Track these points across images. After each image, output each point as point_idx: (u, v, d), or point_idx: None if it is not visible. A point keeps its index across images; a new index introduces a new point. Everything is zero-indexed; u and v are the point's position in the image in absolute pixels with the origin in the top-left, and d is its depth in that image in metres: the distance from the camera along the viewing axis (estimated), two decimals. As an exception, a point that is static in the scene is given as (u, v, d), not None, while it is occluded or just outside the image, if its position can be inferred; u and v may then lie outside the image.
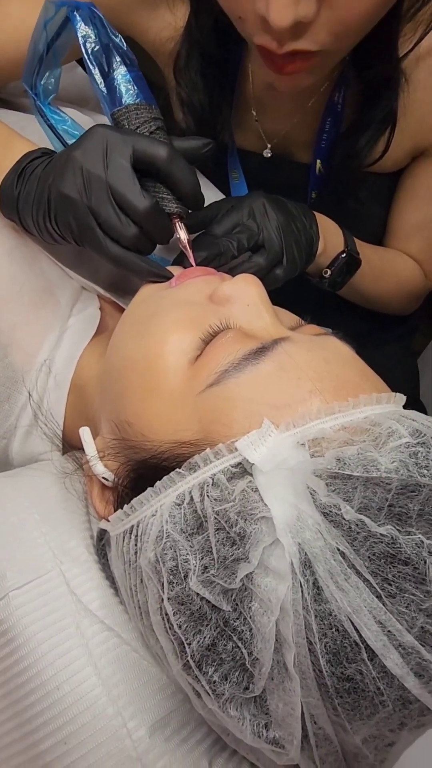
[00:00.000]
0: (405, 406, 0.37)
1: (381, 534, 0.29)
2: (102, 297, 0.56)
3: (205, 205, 0.56)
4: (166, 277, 0.47)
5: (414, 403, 0.98)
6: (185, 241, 0.49)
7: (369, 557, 0.29)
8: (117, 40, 0.49)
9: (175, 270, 0.48)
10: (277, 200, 0.57)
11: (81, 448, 0.42)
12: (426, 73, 0.66)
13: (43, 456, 0.49)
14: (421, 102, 0.67)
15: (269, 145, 0.74)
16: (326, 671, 0.29)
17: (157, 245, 0.49)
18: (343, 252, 0.65)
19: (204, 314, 0.40)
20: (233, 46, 0.65)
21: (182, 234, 0.48)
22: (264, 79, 0.67)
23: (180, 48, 0.65)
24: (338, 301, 0.77)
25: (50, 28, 0.50)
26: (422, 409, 0.98)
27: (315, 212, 0.62)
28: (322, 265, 0.65)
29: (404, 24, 0.59)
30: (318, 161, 0.73)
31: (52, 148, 0.52)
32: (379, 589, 0.29)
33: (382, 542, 0.29)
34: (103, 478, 0.39)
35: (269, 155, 0.74)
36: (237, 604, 0.30)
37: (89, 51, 0.48)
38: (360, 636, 0.29)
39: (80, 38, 0.48)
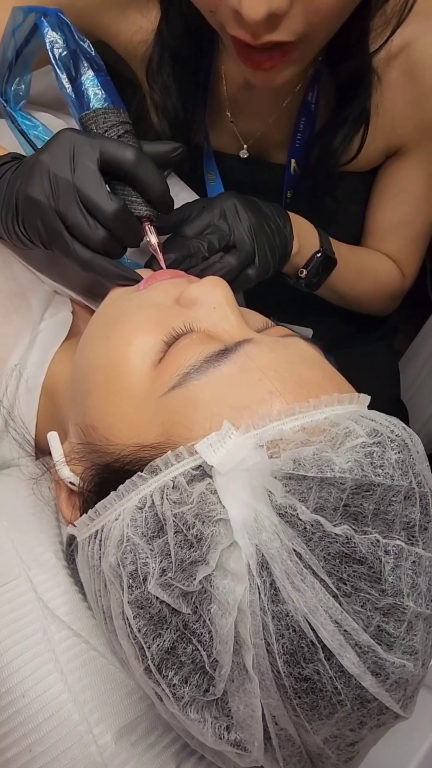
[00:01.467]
0: (388, 407, 0.37)
1: (336, 534, 0.29)
2: (74, 301, 0.56)
3: (177, 206, 0.57)
4: (135, 280, 0.47)
5: (396, 403, 0.99)
6: (155, 244, 0.48)
7: (324, 557, 0.29)
8: (84, 45, 0.49)
9: (145, 273, 0.48)
10: (249, 200, 0.57)
11: (51, 454, 0.42)
12: (397, 72, 0.66)
13: (15, 462, 0.49)
14: (393, 101, 0.68)
15: (245, 146, 0.74)
16: (284, 672, 0.29)
17: (129, 249, 0.50)
18: (318, 252, 0.66)
19: (169, 316, 0.40)
20: (205, 48, 0.66)
21: (152, 237, 0.48)
22: (239, 77, 0.67)
23: (152, 52, 0.65)
24: (319, 302, 0.77)
25: (18, 35, 0.50)
26: (403, 410, 0.98)
27: (290, 212, 0.62)
28: (298, 264, 0.65)
29: (374, 17, 0.59)
30: (293, 161, 0.73)
31: (24, 153, 0.52)
32: (335, 589, 0.29)
33: (337, 542, 0.29)
34: (70, 482, 0.39)
35: (245, 156, 0.74)
36: (197, 607, 0.30)
37: (57, 56, 0.48)
38: (316, 636, 0.29)
39: (47, 44, 0.48)
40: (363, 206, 0.81)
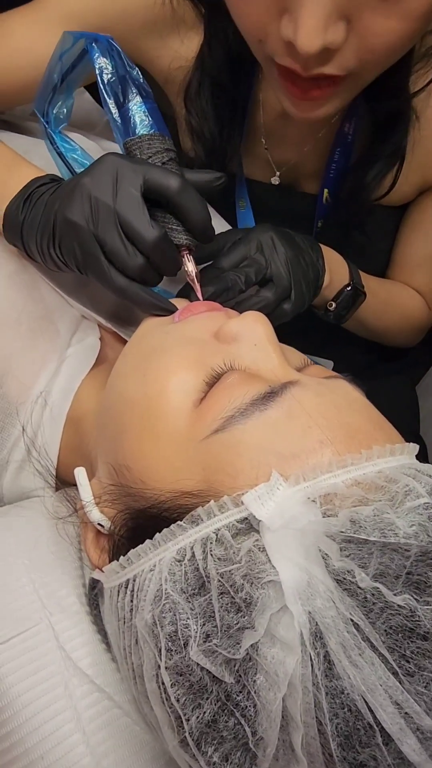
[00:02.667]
0: (405, 440, 0.36)
1: (398, 605, 0.27)
2: (102, 327, 0.54)
3: None
4: (171, 311, 0.45)
5: (415, 439, 0.97)
6: (193, 274, 0.48)
7: (385, 630, 0.27)
8: (134, 72, 0.49)
9: (180, 303, 0.47)
10: (285, 233, 0.56)
11: (75, 485, 0.40)
12: None
13: (35, 492, 0.47)
14: (429, 138, 0.67)
15: (278, 173, 0.74)
16: (337, 755, 0.26)
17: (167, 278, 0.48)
18: (348, 285, 0.65)
19: (208, 353, 0.38)
20: (244, 76, 0.65)
21: (190, 266, 0.47)
22: (277, 105, 0.67)
23: (191, 77, 0.65)
24: (339, 332, 0.76)
25: (66, 59, 0.50)
26: (422, 445, 0.96)
27: (321, 245, 0.62)
28: (328, 297, 0.65)
29: (417, 60, 0.59)
30: (326, 191, 0.73)
31: (60, 176, 0.51)
32: (395, 666, 0.26)
33: (399, 614, 0.27)
34: (99, 525, 0.36)
35: (277, 183, 0.74)
36: (240, 677, 0.28)
37: (105, 82, 0.49)
38: (374, 717, 0.26)
39: (97, 69, 0.48)
40: (391, 240, 0.81)
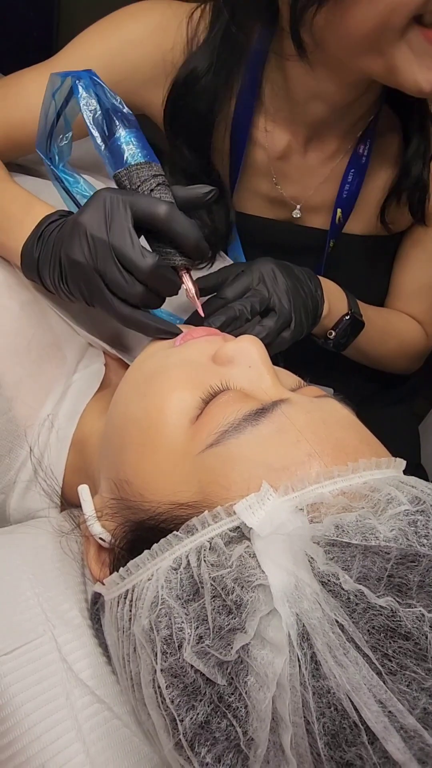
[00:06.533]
0: (406, 470, 0.37)
1: (380, 606, 0.28)
2: (107, 353, 0.57)
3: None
4: (174, 333, 0.47)
5: (415, 468, 0.98)
6: (192, 292, 0.49)
7: (368, 630, 0.28)
8: (116, 102, 0.50)
9: (185, 329, 0.49)
10: (285, 266, 0.59)
11: (79, 506, 0.41)
12: None
13: (41, 513, 0.49)
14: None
15: (298, 206, 0.76)
16: (324, 754, 0.27)
17: (176, 305, 0.50)
18: (347, 314, 0.68)
19: (205, 374, 0.40)
20: (238, 120, 0.68)
21: (190, 285, 0.49)
22: (282, 145, 0.70)
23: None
24: (339, 360, 0.78)
25: (58, 97, 0.52)
26: (423, 474, 0.97)
27: (320, 277, 0.64)
28: (327, 326, 0.67)
29: None
30: (339, 210, 0.75)
31: (69, 209, 0.54)
32: (379, 665, 0.27)
33: (381, 615, 0.28)
34: (100, 538, 0.38)
35: (298, 216, 0.77)
36: (232, 678, 0.29)
37: (91, 119, 0.50)
38: (360, 716, 0.27)
39: (82, 107, 0.50)
40: (389, 267, 0.83)
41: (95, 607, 0.40)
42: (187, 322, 0.57)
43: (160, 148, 0.60)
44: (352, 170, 0.72)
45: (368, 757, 0.27)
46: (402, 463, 0.37)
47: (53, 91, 0.52)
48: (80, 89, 0.49)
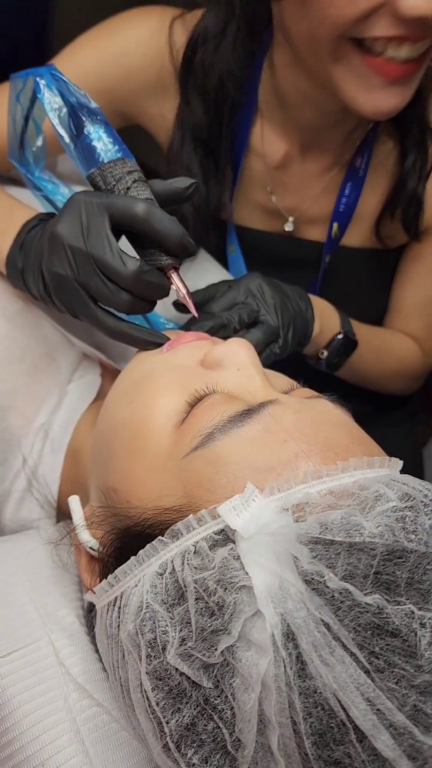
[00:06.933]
0: None
1: (367, 603, 0.27)
2: (104, 364, 0.57)
3: (204, 283, 0.58)
4: (161, 343, 0.46)
5: None
6: (183, 291, 0.47)
7: (354, 628, 0.27)
8: (81, 96, 0.47)
9: (175, 335, 0.48)
10: (273, 282, 0.59)
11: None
12: None
13: (37, 523, 0.49)
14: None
15: (290, 219, 0.75)
16: (312, 754, 0.27)
17: (174, 314, 0.49)
18: (339, 333, 0.66)
19: (192, 378, 0.40)
20: (225, 126, 0.68)
21: (179, 285, 0.46)
22: (280, 154, 0.70)
23: (172, 136, 0.68)
24: (337, 383, 0.76)
25: (23, 99, 0.49)
26: None
27: (311, 295, 0.63)
28: (319, 345, 0.66)
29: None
30: (335, 224, 0.74)
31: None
32: (366, 663, 0.27)
33: (368, 612, 0.27)
34: (90, 548, 0.38)
35: (291, 229, 0.76)
36: (218, 681, 0.29)
37: (57, 118, 0.47)
38: (347, 715, 0.27)
39: (45, 107, 0.47)
40: (389, 281, 0.82)
41: (90, 614, 0.40)
42: (183, 329, 0.56)
43: (150, 168, 0.59)
44: (349, 183, 0.72)
45: (357, 755, 0.27)
46: (398, 463, 0.36)
47: (17, 94, 0.49)
48: (42, 88, 0.46)
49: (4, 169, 0.69)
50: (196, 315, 0.48)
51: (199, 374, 0.41)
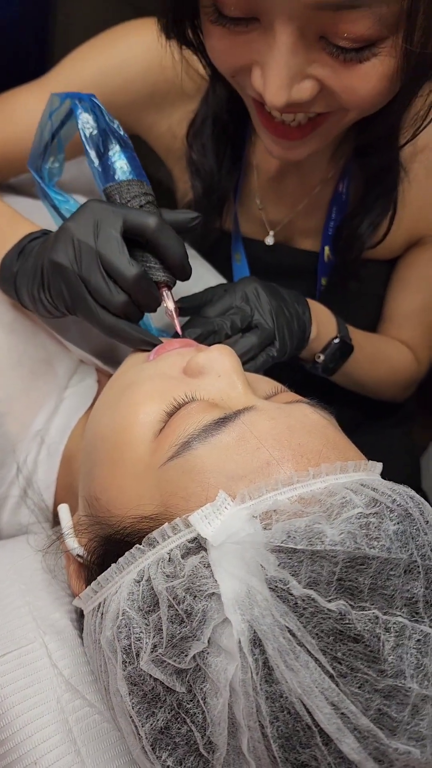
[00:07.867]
0: None
1: (329, 609, 0.28)
2: (100, 370, 0.58)
3: (199, 287, 0.59)
4: (156, 344, 0.47)
5: (416, 491, 0.93)
6: (171, 310, 0.49)
7: (317, 634, 0.28)
8: (114, 125, 0.52)
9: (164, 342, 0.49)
10: (269, 285, 0.59)
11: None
12: (421, 168, 0.69)
13: (33, 528, 0.50)
14: (416, 195, 0.70)
15: (271, 232, 0.76)
16: (279, 757, 0.28)
17: (165, 323, 0.50)
18: (335, 338, 0.66)
19: (173, 387, 0.40)
20: (243, 116, 0.68)
21: (169, 302, 0.49)
22: (271, 168, 0.70)
23: (197, 114, 0.69)
24: (332, 388, 0.76)
25: (55, 118, 0.53)
26: (425, 498, 0.92)
27: (308, 299, 0.63)
28: (315, 350, 0.66)
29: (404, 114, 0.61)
30: (326, 248, 0.75)
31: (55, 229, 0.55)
32: (330, 668, 0.28)
33: (330, 618, 0.28)
34: (77, 555, 0.39)
35: (271, 243, 0.76)
36: (191, 686, 0.30)
37: (87, 135, 0.52)
38: (313, 719, 0.28)
39: (80, 123, 0.51)
40: (383, 293, 0.82)
41: (82, 618, 0.41)
42: (174, 337, 0.57)
43: (151, 174, 0.60)
44: (335, 207, 0.72)
45: (323, 757, 0.27)
46: (377, 466, 0.36)
47: (51, 111, 0.53)
48: (80, 109, 0.51)
49: (6, 173, 0.70)
50: (180, 333, 0.50)
51: (180, 382, 0.41)
